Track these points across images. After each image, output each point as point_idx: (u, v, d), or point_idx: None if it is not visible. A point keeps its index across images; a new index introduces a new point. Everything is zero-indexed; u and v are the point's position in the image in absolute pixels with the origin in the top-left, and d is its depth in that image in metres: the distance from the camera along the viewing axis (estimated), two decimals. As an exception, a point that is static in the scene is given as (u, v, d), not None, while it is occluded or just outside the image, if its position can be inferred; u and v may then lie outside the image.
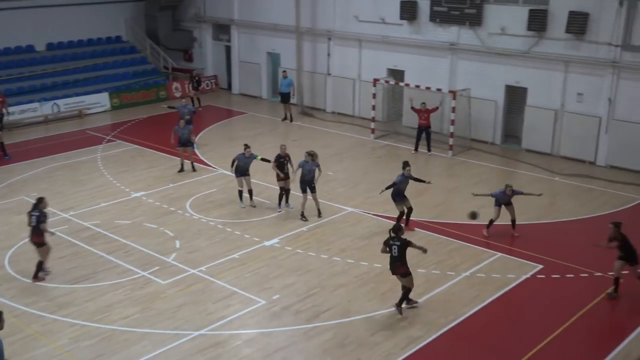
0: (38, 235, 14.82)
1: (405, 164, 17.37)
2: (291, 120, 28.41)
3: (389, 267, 13.50)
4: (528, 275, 15.09)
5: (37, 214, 14.82)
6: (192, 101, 30.10)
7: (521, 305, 14.09)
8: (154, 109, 30.41)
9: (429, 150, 24.05)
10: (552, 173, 22.07)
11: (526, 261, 15.71)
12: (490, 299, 14.06)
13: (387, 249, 13.34)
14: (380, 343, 12.45)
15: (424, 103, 23.84)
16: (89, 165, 22.77)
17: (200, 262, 15.71)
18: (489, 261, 15.77)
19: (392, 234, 13.30)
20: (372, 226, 17.75)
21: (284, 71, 29.09)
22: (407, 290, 13.32)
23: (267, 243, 16.74)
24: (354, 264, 15.66)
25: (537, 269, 15.39)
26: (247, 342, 12.60)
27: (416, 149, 24.19)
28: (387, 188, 17.25)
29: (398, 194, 17.20)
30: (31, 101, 28.32)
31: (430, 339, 12.62)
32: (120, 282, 14.81)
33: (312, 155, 18.20)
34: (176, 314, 13.49)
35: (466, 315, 13.43)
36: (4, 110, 25.92)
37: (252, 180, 19.10)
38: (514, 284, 14.70)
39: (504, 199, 16.86)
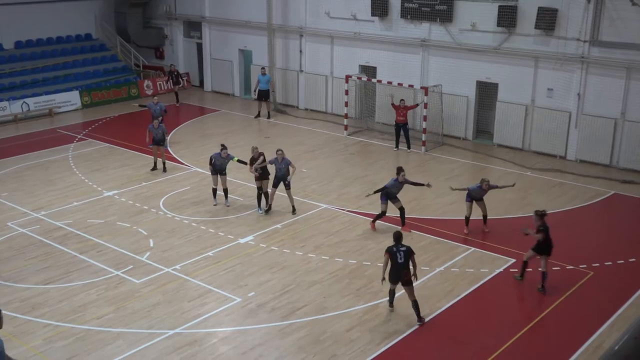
0: None
1: (399, 170, 17.09)
2: (269, 117, 28.37)
3: (390, 277, 13.00)
4: (501, 270, 15.25)
5: None
6: (177, 95, 30.72)
7: (495, 299, 14.24)
8: (125, 107, 30.12)
9: (409, 147, 24.15)
10: (523, 168, 22.32)
11: (499, 255, 15.88)
12: (465, 293, 14.19)
13: (391, 257, 12.90)
14: (356, 339, 12.50)
15: (402, 100, 23.97)
16: (60, 165, 22.53)
17: (174, 260, 15.64)
18: (462, 256, 15.91)
19: (395, 242, 12.96)
20: (346, 222, 17.81)
21: (263, 68, 29.03)
22: (414, 301, 12.94)
23: (241, 240, 16.72)
24: (328, 260, 15.69)
25: (510, 262, 15.56)
26: (223, 339, 12.57)
27: (397, 146, 24.29)
28: (376, 192, 17.21)
29: (388, 196, 17.10)
30: (0, 100, 27.89)
31: (406, 334, 12.69)
32: (93, 281, 14.68)
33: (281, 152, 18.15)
34: (151, 313, 13.42)
35: (441, 310, 13.54)
36: None
37: (227, 178, 19.04)
38: (487, 278, 14.85)
39: (478, 194, 16.98)
